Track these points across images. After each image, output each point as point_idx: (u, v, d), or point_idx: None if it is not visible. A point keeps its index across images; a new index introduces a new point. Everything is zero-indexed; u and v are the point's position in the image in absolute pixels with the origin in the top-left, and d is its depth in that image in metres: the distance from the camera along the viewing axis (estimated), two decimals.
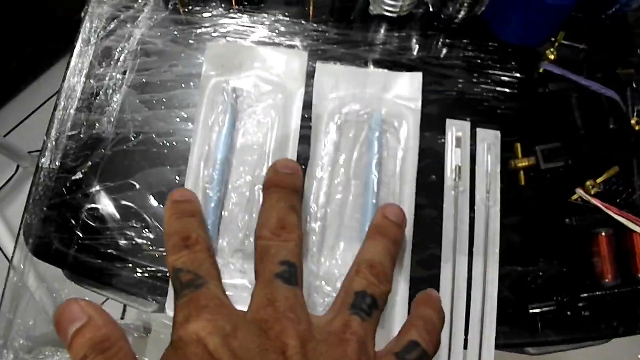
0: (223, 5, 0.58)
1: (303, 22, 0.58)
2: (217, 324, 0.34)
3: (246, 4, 0.58)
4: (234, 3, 0.58)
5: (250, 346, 0.33)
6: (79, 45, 0.57)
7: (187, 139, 0.53)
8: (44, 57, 1.43)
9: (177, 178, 0.52)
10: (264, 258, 0.38)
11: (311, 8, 0.57)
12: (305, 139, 0.52)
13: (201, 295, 0.36)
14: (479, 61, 0.58)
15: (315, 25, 0.57)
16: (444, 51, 0.57)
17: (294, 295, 0.36)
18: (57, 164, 0.53)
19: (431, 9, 0.58)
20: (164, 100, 0.54)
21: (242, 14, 0.58)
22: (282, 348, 0.33)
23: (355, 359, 0.34)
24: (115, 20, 0.58)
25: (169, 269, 0.39)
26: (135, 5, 0.59)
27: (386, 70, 0.55)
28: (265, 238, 0.39)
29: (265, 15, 0.58)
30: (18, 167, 1.37)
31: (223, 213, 0.49)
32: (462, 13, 0.56)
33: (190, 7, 0.58)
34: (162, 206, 0.51)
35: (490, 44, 0.58)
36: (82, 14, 0.59)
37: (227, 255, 0.48)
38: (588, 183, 0.53)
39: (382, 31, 0.58)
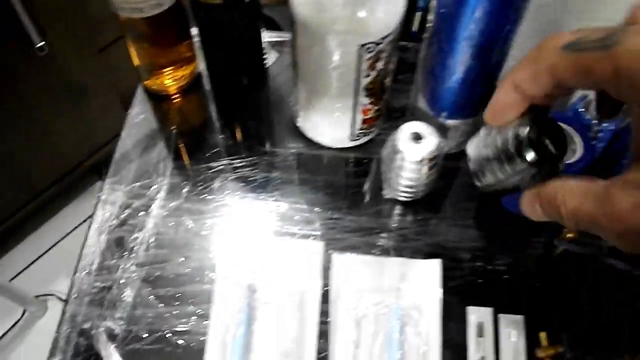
0: (237, 193, 0.61)
1: (317, 208, 0.60)
2: None
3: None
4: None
5: None
6: (91, 235, 0.59)
7: (202, 338, 0.53)
8: (51, 202, 1.47)
9: None
10: None
11: None
12: (322, 335, 0.53)
13: None
14: (497, 242, 0.59)
15: (329, 212, 0.59)
16: (461, 235, 0.59)
17: None
18: None
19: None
20: (177, 295, 0.56)
21: (256, 200, 0.60)
22: None
23: None
24: (128, 209, 0.60)
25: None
26: (148, 193, 0.61)
27: (403, 259, 0.56)
28: None
29: (279, 203, 0.60)
30: (24, 311, 1.38)
31: None
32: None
33: (204, 195, 0.60)
34: None
35: (506, 223, 0.60)
36: (95, 202, 0.61)
37: None
38: None
39: (397, 215, 0.60)
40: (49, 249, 1.47)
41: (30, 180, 1.38)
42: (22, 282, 1.44)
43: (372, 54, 0.52)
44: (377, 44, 0.51)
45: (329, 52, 0.52)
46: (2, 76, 1.18)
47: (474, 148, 0.41)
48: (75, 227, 1.51)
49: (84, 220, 1.50)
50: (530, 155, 0.34)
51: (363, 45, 0.51)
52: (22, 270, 1.46)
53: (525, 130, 0.34)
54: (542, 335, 0.55)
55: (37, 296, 1.37)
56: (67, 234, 1.49)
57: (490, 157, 0.38)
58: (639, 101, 0.27)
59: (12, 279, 1.44)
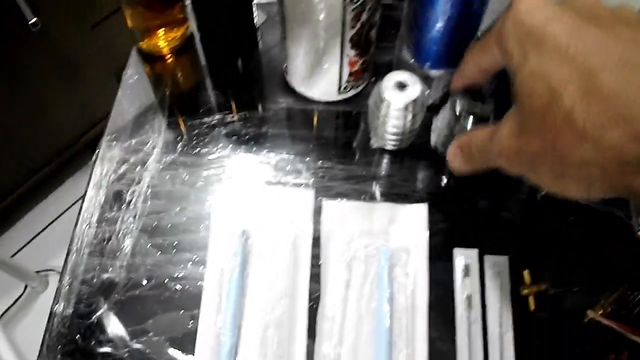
0: (230, 146, 0.63)
1: (307, 159, 0.62)
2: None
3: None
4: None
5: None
6: (90, 189, 0.62)
7: (199, 283, 0.56)
8: (50, 178, 1.50)
9: (191, 322, 0.55)
10: None
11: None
12: (315, 277, 0.56)
13: None
14: (483, 189, 0.62)
15: (320, 162, 0.62)
16: (447, 181, 0.62)
17: None
18: (71, 309, 0.56)
19: (433, 147, 0.63)
20: (175, 243, 0.58)
21: (248, 153, 0.63)
22: None
23: None
24: (125, 164, 0.63)
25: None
26: (144, 148, 0.64)
27: (391, 203, 0.59)
28: None
29: (271, 155, 0.63)
30: (26, 286, 1.41)
31: (237, 358, 0.52)
32: None
33: (198, 149, 0.63)
34: (176, 351, 0.54)
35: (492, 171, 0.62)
36: (93, 158, 0.64)
37: None
38: (599, 304, 0.56)
39: (385, 164, 0.63)
40: (49, 224, 1.50)
41: (29, 157, 1.41)
42: (24, 258, 1.47)
43: (356, 4, 0.54)
44: None
45: (314, 4, 0.54)
46: None
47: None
48: (74, 202, 1.53)
49: (82, 196, 1.53)
50: (469, 119, 0.55)
51: None
52: (23, 246, 1.49)
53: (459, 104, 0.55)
54: (526, 273, 0.58)
55: (39, 271, 1.40)
56: (67, 209, 1.52)
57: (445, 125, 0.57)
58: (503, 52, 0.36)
59: (14, 255, 1.47)
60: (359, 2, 0.54)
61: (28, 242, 1.49)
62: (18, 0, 1.17)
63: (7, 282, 1.38)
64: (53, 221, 1.51)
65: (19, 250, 1.48)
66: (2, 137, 1.32)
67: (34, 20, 1.21)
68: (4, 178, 1.38)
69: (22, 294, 1.41)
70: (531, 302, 0.57)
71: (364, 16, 0.56)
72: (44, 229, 1.50)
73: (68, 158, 1.50)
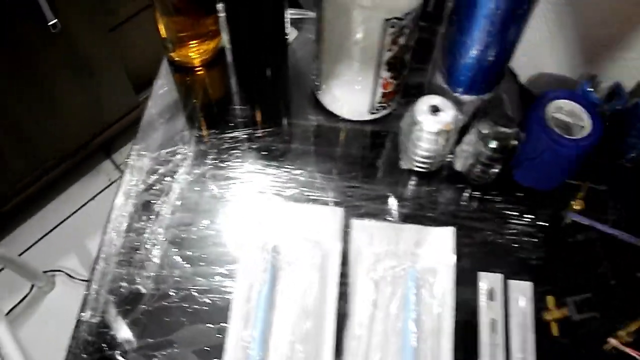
0: (259, 161, 0.64)
1: (335, 177, 0.63)
2: None
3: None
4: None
5: None
6: (119, 197, 0.62)
7: (227, 296, 0.57)
8: (60, 179, 1.51)
9: (218, 336, 0.56)
10: None
11: None
12: (342, 296, 0.57)
13: None
14: (508, 212, 0.63)
15: (347, 181, 0.63)
16: (473, 204, 0.63)
17: None
18: (98, 318, 0.57)
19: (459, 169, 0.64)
20: (203, 256, 0.59)
21: (277, 169, 0.64)
22: None
23: None
24: (155, 174, 0.64)
25: None
26: (174, 159, 0.65)
27: (418, 226, 0.60)
28: None
29: (299, 171, 0.64)
30: (32, 286, 1.41)
31: None
32: (485, 172, 0.61)
33: (227, 163, 0.64)
34: None
35: (517, 193, 0.64)
36: (123, 167, 0.65)
37: None
38: (620, 332, 0.57)
39: (412, 185, 0.64)
40: (58, 224, 1.51)
41: (40, 156, 1.41)
42: (31, 257, 1.47)
43: (395, 29, 0.55)
44: (401, 19, 0.55)
45: (354, 26, 0.55)
46: (16, 51, 1.21)
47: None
48: (84, 205, 1.54)
49: (92, 198, 1.53)
50: (492, 144, 0.57)
51: (387, 20, 0.54)
52: (31, 246, 1.49)
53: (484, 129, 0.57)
54: (549, 299, 0.59)
55: (46, 272, 1.40)
56: (76, 211, 1.53)
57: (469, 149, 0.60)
58: None
59: (22, 253, 1.47)
60: (398, 27, 0.55)
61: (36, 242, 1.49)
62: (40, 1, 1.18)
63: (14, 281, 1.38)
64: (62, 222, 1.51)
65: (26, 250, 1.48)
66: (16, 136, 1.32)
67: (54, 21, 1.21)
68: (14, 177, 1.38)
69: (28, 294, 1.41)
70: (554, 327, 0.58)
71: (402, 40, 0.57)
72: (53, 229, 1.50)
73: (79, 160, 1.50)
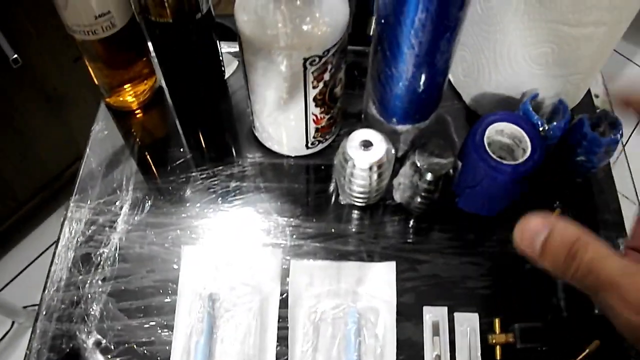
0: (199, 205, 0.64)
1: (277, 216, 0.63)
2: None
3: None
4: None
5: None
6: (58, 253, 0.62)
7: (168, 347, 0.57)
8: (34, 213, 1.51)
9: None
10: None
11: None
12: (283, 340, 0.56)
13: None
14: (452, 241, 0.62)
15: (290, 219, 0.63)
16: (417, 235, 0.63)
17: None
18: None
19: (398, 201, 0.63)
20: (143, 307, 0.59)
21: (217, 211, 0.64)
22: None
23: None
24: (94, 225, 0.64)
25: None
26: (113, 209, 0.65)
27: (359, 262, 0.60)
28: None
29: (240, 212, 0.64)
30: (13, 322, 1.42)
31: None
32: (425, 204, 0.61)
33: (166, 209, 0.64)
34: None
35: (461, 221, 0.63)
36: (62, 219, 0.65)
37: None
38: None
39: (354, 220, 0.63)
40: (36, 258, 1.51)
41: (14, 191, 1.42)
42: (10, 293, 1.48)
43: (317, 66, 0.55)
44: (321, 57, 0.54)
45: (275, 66, 0.55)
46: None
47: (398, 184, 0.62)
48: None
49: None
50: (428, 176, 0.57)
51: (307, 59, 0.54)
52: (10, 282, 1.50)
53: (418, 161, 0.57)
54: (496, 321, 0.58)
55: (26, 307, 1.41)
56: (53, 244, 1.53)
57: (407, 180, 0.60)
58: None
59: (0, 290, 1.48)
60: (320, 64, 0.55)
61: (14, 277, 1.50)
62: None
63: None
64: (39, 255, 1.52)
65: (5, 286, 1.49)
66: None
67: (14, 57, 1.22)
68: None
69: (9, 330, 1.42)
70: (498, 351, 0.57)
71: (326, 76, 0.57)
72: (30, 264, 1.51)
73: (52, 192, 1.51)
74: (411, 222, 0.63)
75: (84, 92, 1.42)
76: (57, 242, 0.63)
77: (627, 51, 1.35)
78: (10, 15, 1.19)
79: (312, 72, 0.55)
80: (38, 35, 1.27)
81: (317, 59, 0.54)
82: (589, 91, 0.75)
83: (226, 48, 0.74)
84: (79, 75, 1.38)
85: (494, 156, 0.57)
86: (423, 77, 0.57)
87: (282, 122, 0.62)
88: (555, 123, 0.61)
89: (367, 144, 0.57)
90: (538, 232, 0.34)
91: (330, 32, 0.54)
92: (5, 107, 1.30)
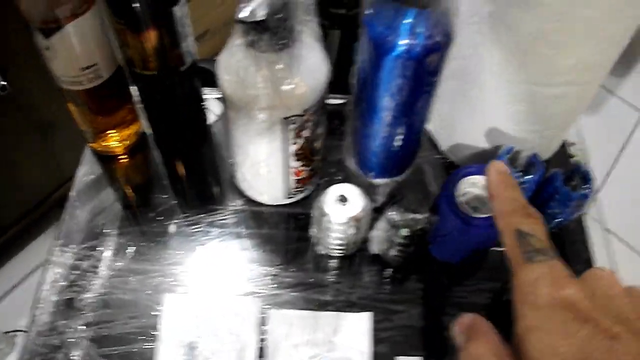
0: (180, 252, 0.66)
1: (257, 265, 0.65)
2: (585, 290, 0.36)
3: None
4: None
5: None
6: (43, 295, 0.64)
7: None
8: (18, 237, 1.52)
9: None
10: None
11: None
12: None
13: (559, 264, 0.38)
14: (427, 290, 0.65)
15: (269, 268, 0.65)
16: (392, 285, 0.65)
17: None
18: None
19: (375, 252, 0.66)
20: (124, 354, 0.61)
21: (198, 259, 0.66)
22: None
23: None
24: (77, 270, 0.66)
25: (504, 226, 0.40)
26: (95, 254, 0.66)
27: (336, 312, 0.62)
28: None
29: (221, 260, 0.66)
30: None
31: None
32: (401, 256, 0.63)
33: (149, 255, 0.66)
34: None
35: (435, 270, 0.66)
36: (45, 263, 0.67)
37: None
38: None
39: (332, 270, 0.65)
40: (17, 284, 1.52)
41: None
42: None
43: (296, 124, 0.57)
44: (301, 115, 0.57)
45: (255, 123, 0.57)
46: None
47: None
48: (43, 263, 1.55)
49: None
50: (403, 231, 0.59)
51: (286, 118, 0.56)
52: None
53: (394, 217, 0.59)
54: None
55: (7, 332, 1.42)
56: (35, 269, 1.54)
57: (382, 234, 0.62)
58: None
59: None
60: (299, 122, 0.57)
61: None
62: None
63: None
64: (21, 281, 1.53)
65: None
66: None
67: (3, 84, 1.24)
68: None
69: None
70: None
71: (306, 132, 0.59)
72: (12, 288, 1.52)
73: (37, 217, 1.52)
74: (387, 272, 0.65)
75: (70, 120, 1.43)
76: (38, 286, 0.65)
77: (609, 84, 1.38)
78: None
79: (292, 130, 0.58)
80: (26, 62, 1.29)
81: (296, 118, 0.57)
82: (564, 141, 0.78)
83: (211, 94, 0.76)
84: (65, 103, 1.40)
85: (465, 209, 0.59)
86: (399, 136, 0.59)
87: (263, 174, 0.64)
88: (530, 176, 0.64)
89: (343, 199, 0.60)
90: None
91: (310, 92, 0.56)
92: None
